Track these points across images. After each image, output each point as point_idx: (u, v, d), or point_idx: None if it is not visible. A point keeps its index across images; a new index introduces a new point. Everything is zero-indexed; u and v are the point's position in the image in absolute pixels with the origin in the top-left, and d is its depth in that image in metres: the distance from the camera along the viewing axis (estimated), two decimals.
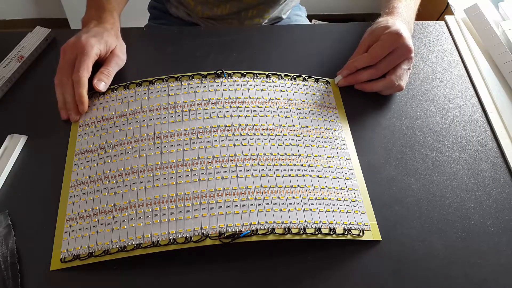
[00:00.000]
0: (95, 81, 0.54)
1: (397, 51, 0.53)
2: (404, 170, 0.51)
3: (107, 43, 0.56)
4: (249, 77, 0.57)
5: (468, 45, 0.67)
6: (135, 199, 0.46)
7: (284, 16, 0.84)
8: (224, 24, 0.80)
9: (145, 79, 0.56)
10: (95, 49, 0.54)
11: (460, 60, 0.65)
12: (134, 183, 0.47)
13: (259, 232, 0.43)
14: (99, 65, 0.56)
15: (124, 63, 0.59)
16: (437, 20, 0.74)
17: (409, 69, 0.57)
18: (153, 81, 0.56)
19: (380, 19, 0.58)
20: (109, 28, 0.58)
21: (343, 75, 0.57)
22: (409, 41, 0.54)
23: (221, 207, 0.45)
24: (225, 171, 0.47)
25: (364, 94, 0.59)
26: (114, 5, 0.61)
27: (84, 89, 0.53)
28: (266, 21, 0.82)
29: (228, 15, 0.79)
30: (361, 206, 0.47)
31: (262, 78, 0.57)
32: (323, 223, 0.45)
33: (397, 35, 0.53)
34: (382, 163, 0.52)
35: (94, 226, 0.45)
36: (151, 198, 0.46)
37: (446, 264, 0.44)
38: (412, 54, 0.55)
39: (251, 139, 0.50)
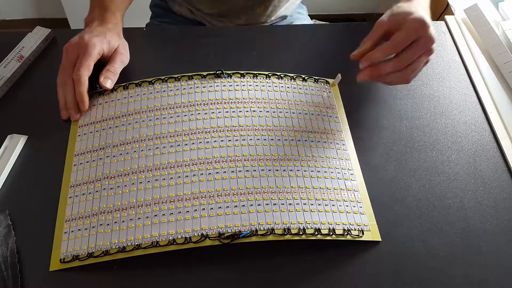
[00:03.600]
0: (101, 79, 0.54)
1: (420, 40, 0.49)
2: (404, 170, 0.51)
3: (110, 42, 0.56)
4: (248, 78, 0.57)
5: (468, 45, 0.67)
6: (135, 200, 0.46)
7: (289, 14, 0.84)
8: (230, 21, 0.80)
9: (144, 80, 0.56)
10: (98, 48, 0.54)
11: (460, 60, 0.65)
12: (133, 183, 0.47)
13: (259, 232, 0.43)
14: (102, 65, 0.56)
15: (128, 61, 0.59)
16: (437, 20, 0.73)
17: (427, 62, 0.52)
18: (153, 81, 0.56)
19: (400, 4, 0.52)
20: (112, 27, 0.58)
21: (362, 66, 0.50)
22: (433, 31, 0.49)
23: (220, 207, 0.44)
24: (225, 172, 0.47)
25: (364, 94, 0.59)
26: (118, 5, 0.62)
27: (84, 88, 0.53)
28: (272, 18, 0.81)
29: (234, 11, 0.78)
30: (361, 207, 0.47)
31: (261, 78, 0.57)
32: (322, 224, 0.45)
33: (423, 23, 0.48)
34: (382, 163, 0.52)
35: (93, 227, 0.45)
36: (150, 198, 0.46)
37: (446, 264, 0.44)
38: (434, 46, 0.50)
39: (251, 139, 0.50)
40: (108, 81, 0.55)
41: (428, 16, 0.51)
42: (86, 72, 0.52)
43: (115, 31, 0.58)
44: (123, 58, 0.58)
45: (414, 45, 0.49)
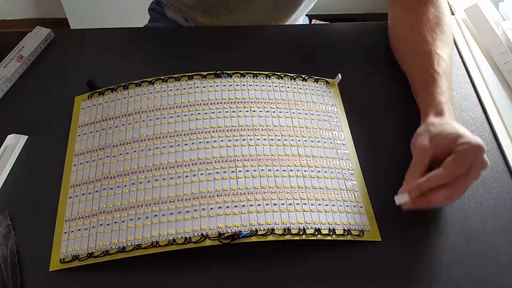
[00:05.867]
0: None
1: (475, 166, 0.43)
2: (405, 170, 0.51)
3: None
4: (248, 77, 0.57)
5: (468, 45, 0.67)
6: (135, 200, 0.46)
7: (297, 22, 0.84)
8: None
9: (144, 79, 0.56)
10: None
11: (460, 60, 0.65)
12: (133, 183, 0.47)
13: (259, 232, 0.43)
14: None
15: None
16: None
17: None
18: (153, 81, 0.56)
19: (434, 120, 0.48)
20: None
21: (412, 195, 0.43)
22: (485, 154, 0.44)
23: (220, 207, 0.44)
24: (225, 172, 0.47)
25: (364, 94, 0.59)
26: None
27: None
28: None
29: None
30: (361, 207, 0.47)
31: (262, 78, 0.57)
32: (322, 224, 0.45)
33: (479, 149, 0.43)
34: (382, 163, 0.52)
35: (93, 227, 0.45)
36: (150, 198, 0.46)
37: (446, 264, 0.44)
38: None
39: (251, 139, 0.50)
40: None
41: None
42: None
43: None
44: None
45: (467, 172, 0.43)
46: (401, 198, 0.44)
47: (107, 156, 0.50)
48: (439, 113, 0.49)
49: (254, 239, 0.43)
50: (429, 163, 0.45)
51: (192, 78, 0.56)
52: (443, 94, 0.51)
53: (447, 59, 0.55)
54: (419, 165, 0.45)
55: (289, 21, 0.79)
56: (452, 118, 0.49)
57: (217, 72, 0.56)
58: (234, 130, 0.51)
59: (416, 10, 0.58)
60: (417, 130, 0.49)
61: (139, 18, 0.95)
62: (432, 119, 0.48)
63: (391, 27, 0.63)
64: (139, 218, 0.44)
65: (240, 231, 0.43)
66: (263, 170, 0.47)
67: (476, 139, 0.44)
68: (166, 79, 0.56)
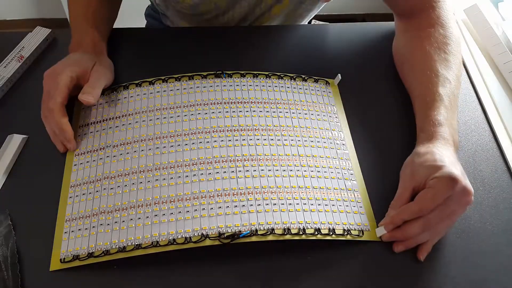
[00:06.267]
0: (79, 95, 0.51)
1: (452, 198, 0.43)
2: None
3: (81, 65, 0.53)
4: (249, 78, 0.57)
5: (468, 45, 0.67)
6: (135, 200, 0.46)
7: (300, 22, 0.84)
8: None
9: (145, 80, 0.56)
10: (66, 76, 0.50)
11: None
12: (134, 183, 0.47)
13: (259, 232, 0.43)
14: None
15: (109, 77, 0.56)
16: None
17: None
18: (153, 81, 0.56)
19: (420, 149, 0.47)
20: (88, 50, 0.56)
21: (388, 229, 0.44)
22: (465, 182, 0.43)
23: (220, 207, 0.45)
24: (225, 172, 0.47)
25: (364, 94, 0.59)
26: (98, 25, 0.59)
27: (60, 115, 0.50)
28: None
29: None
30: (361, 207, 0.47)
31: (262, 78, 0.57)
32: (322, 224, 0.45)
33: (451, 181, 0.42)
34: (382, 163, 0.52)
35: (93, 227, 0.45)
36: (151, 198, 0.46)
37: (445, 263, 0.44)
38: (472, 197, 0.43)
39: (251, 139, 0.50)
40: (84, 94, 0.51)
41: (453, 150, 0.47)
42: (59, 99, 0.50)
43: (92, 52, 0.56)
44: (99, 75, 0.54)
45: (444, 204, 0.43)
46: (380, 231, 0.45)
47: (107, 156, 0.50)
48: (430, 138, 0.48)
49: (254, 239, 0.43)
50: (412, 194, 0.45)
51: (192, 78, 0.56)
52: (441, 117, 0.49)
53: (453, 80, 0.53)
54: (400, 199, 0.46)
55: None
56: (445, 143, 0.47)
57: (217, 72, 0.56)
58: (234, 130, 0.51)
59: (424, 29, 0.57)
60: (406, 159, 0.49)
61: (139, 19, 0.95)
62: (420, 147, 0.48)
63: (396, 44, 0.62)
64: (139, 218, 0.44)
65: (240, 231, 0.43)
66: (263, 170, 0.48)
67: (450, 172, 0.42)
68: (166, 79, 0.56)
